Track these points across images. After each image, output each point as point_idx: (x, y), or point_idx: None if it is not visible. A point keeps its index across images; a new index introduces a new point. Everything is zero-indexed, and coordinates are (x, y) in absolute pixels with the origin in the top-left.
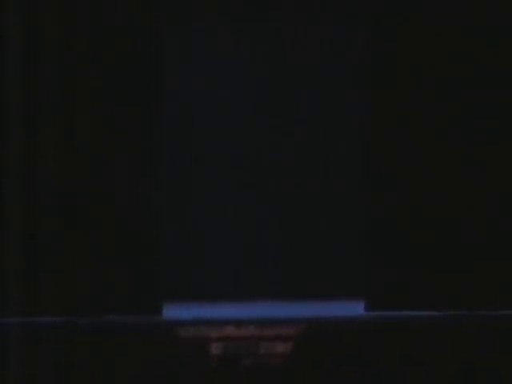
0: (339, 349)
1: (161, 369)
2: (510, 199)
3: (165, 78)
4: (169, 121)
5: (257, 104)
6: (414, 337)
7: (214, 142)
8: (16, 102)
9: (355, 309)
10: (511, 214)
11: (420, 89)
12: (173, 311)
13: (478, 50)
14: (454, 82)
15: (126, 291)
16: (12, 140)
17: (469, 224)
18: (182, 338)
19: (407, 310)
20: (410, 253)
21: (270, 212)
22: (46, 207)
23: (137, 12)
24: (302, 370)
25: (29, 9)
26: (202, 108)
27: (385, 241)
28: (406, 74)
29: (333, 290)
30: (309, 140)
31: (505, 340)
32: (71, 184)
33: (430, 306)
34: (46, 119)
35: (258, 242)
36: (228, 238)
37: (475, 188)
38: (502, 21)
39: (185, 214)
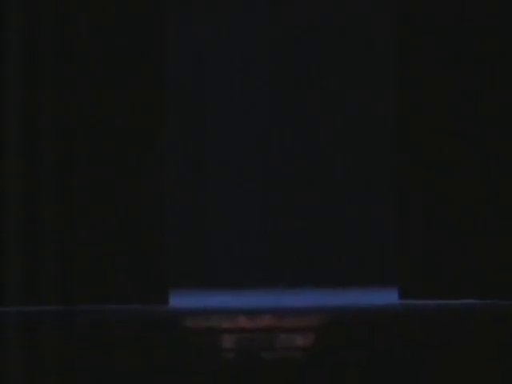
0: (367, 340)
1: (167, 363)
2: None
3: (166, 75)
4: (171, 117)
5: (257, 102)
6: (448, 325)
7: (217, 134)
8: (16, 102)
9: (388, 297)
10: None
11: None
12: (180, 300)
13: None
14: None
15: (130, 279)
16: (12, 140)
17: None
18: (190, 330)
19: (441, 298)
20: (444, 240)
21: (294, 197)
22: (45, 192)
23: (137, 10)
24: (325, 365)
25: (29, 8)
26: (203, 105)
27: (417, 227)
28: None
29: (365, 278)
30: (329, 132)
31: None
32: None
33: (465, 293)
34: (46, 119)
35: (278, 225)
36: (245, 221)
37: None
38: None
39: (196, 198)
